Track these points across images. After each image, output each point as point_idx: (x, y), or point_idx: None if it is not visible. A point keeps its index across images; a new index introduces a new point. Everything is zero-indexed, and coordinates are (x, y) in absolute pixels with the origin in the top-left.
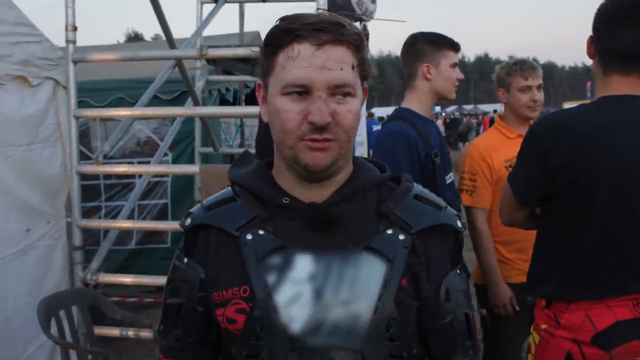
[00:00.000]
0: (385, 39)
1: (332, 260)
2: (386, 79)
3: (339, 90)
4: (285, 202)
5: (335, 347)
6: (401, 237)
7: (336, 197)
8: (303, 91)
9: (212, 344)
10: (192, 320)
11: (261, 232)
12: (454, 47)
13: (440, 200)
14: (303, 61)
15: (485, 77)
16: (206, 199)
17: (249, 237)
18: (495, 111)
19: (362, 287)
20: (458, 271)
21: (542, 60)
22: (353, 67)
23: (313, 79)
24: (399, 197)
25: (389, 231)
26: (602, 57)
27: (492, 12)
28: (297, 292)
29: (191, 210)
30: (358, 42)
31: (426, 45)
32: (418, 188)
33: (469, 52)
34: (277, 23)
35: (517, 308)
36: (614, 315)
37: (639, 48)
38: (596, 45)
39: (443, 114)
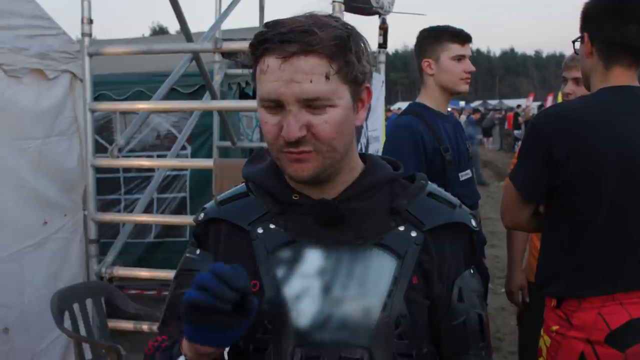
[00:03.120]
0: (410, 33)
1: (341, 256)
2: (410, 73)
3: (311, 103)
4: (295, 198)
5: (342, 343)
6: (413, 234)
7: (345, 195)
8: (277, 104)
9: None
10: None
11: (272, 226)
12: (457, 38)
13: (454, 199)
14: (272, 75)
15: (510, 72)
16: (219, 193)
17: (260, 230)
18: (519, 106)
19: (372, 283)
20: (472, 271)
21: (569, 53)
22: (328, 77)
23: (282, 93)
24: (412, 194)
25: (401, 228)
26: (605, 51)
27: (517, 5)
28: (305, 287)
29: (205, 205)
30: (333, 49)
31: (427, 40)
32: (432, 186)
33: (495, 46)
34: (260, 30)
35: (527, 299)
36: (628, 313)
37: None
38: (596, 39)
39: (466, 109)
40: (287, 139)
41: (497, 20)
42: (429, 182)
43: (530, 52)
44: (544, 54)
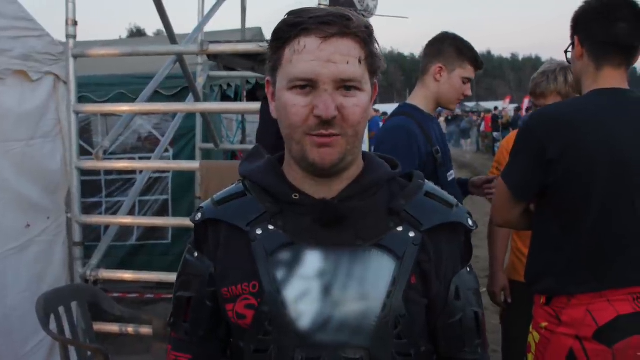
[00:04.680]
0: (388, 36)
1: (341, 257)
2: (389, 75)
3: (345, 84)
4: (295, 198)
5: (342, 344)
6: (411, 234)
7: (346, 194)
8: (309, 85)
9: (221, 339)
10: (201, 314)
11: (271, 227)
12: (476, 63)
13: (451, 198)
14: (309, 54)
15: (487, 74)
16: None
17: (259, 232)
18: (496, 108)
19: (371, 284)
20: (468, 269)
21: (545, 57)
22: (360, 61)
23: (319, 72)
24: (410, 194)
25: (399, 228)
26: (595, 51)
27: (495, 9)
28: (305, 288)
29: (202, 205)
30: (366, 35)
31: (450, 48)
32: (429, 185)
33: None
34: (284, 17)
35: (509, 300)
36: (615, 310)
37: (631, 39)
38: (586, 41)
39: (444, 111)
40: (324, 116)
41: (475, 23)
42: (426, 181)
43: (506, 54)
44: (520, 57)
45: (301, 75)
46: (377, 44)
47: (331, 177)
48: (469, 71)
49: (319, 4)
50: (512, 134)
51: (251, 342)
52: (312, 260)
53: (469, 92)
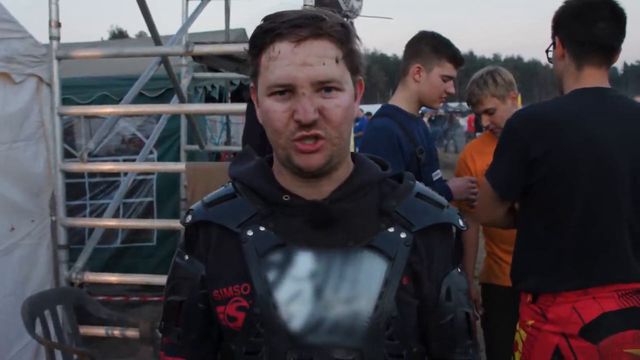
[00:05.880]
0: (371, 37)
1: (333, 258)
2: (371, 76)
3: (324, 86)
4: (285, 199)
5: (334, 345)
6: (402, 235)
7: (337, 195)
8: (287, 90)
9: (214, 341)
10: (193, 317)
11: (262, 228)
12: (455, 60)
13: (442, 199)
14: (284, 60)
15: (469, 75)
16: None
17: (250, 233)
18: None
19: (363, 285)
20: (459, 270)
21: (527, 58)
22: (337, 61)
23: (295, 76)
24: (401, 195)
25: (391, 229)
26: (575, 50)
27: (477, 10)
28: (297, 290)
29: (192, 207)
30: (342, 34)
31: (427, 47)
32: (420, 186)
33: None
34: (260, 23)
35: (481, 312)
36: (601, 307)
37: (611, 39)
38: (566, 41)
39: (428, 112)
40: (304, 120)
41: (458, 24)
42: (417, 182)
43: (489, 55)
44: (502, 57)
45: (278, 82)
46: (359, 40)
47: (320, 178)
48: (448, 69)
49: (305, 5)
50: (469, 145)
51: (242, 344)
52: (304, 262)
53: (452, 90)
